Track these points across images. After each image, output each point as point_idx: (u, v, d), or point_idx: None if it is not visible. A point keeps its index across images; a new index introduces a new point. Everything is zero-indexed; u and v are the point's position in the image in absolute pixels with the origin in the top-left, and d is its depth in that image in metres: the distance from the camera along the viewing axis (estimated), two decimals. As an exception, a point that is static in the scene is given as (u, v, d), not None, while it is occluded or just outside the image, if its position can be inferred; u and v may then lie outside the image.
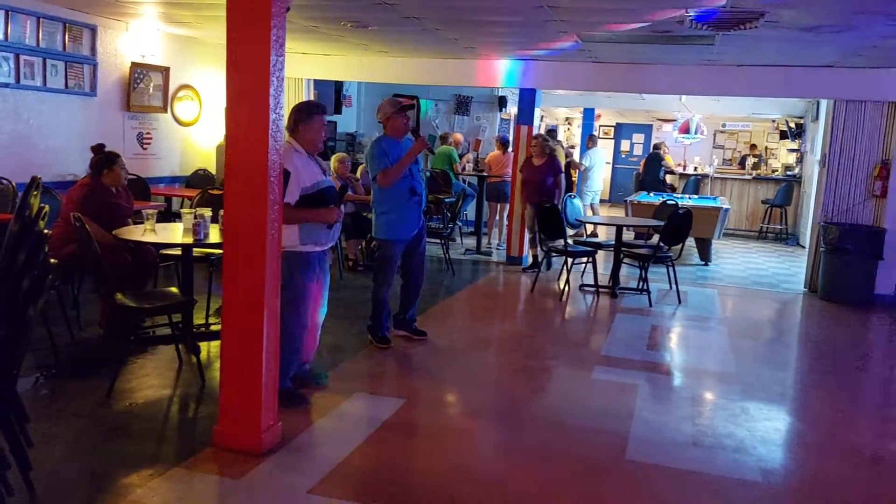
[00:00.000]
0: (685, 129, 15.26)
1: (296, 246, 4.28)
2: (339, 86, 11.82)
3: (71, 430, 3.92)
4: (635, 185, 14.61)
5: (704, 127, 15.75)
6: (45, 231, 3.14)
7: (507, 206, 10.14)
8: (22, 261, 2.91)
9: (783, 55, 7.79)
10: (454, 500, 3.45)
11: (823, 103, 11.01)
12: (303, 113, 4.36)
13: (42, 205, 3.04)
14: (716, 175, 15.32)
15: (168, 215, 8.00)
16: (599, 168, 12.97)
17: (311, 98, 10.50)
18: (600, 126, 19.85)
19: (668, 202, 10.28)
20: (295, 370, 4.52)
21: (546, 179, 8.93)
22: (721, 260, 11.22)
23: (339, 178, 8.04)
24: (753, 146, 17.54)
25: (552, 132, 12.53)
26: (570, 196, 9.75)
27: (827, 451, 4.33)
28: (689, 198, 12.37)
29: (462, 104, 12.87)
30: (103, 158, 5.64)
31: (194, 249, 5.28)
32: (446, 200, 9.92)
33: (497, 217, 11.12)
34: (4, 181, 6.48)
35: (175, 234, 5.29)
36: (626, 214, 11.18)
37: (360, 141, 12.59)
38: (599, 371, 5.54)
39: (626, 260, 8.45)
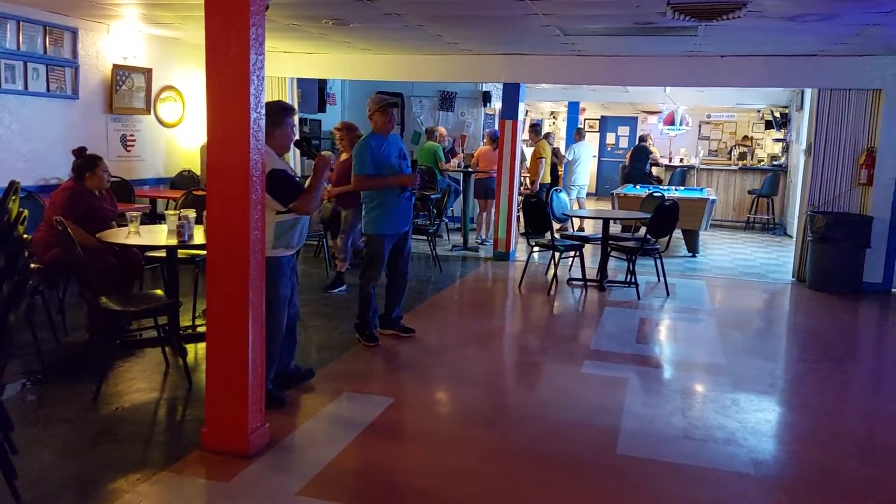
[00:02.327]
0: (670, 121, 15.31)
1: (267, 251, 4.21)
2: (322, 84, 11.78)
3: (57, 435, 3.88)
4: (621, 178, 14.62)
5: (689, 118, 15.80)
6: (25, 236, 3.10)
7: (494, 202, 10.11)
8: (1, 266, 2.87)
9: (766, 45, 7.80)
10: (444, 499, 3.43)
11: (808, 92, 11.05)
12: (273, 116, 4.13)
13: (21, 209, 3.00)
14: (702, 166, 15.35)
15: (153, 217, 7.95)
16: (585, 162, 12.89)
17: (295, 97, 10.46)
18: (585, 119, 19.86)
19: (655, 194, 10.31)
20: (276, 372, 4.49)
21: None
22: (709, 251, 11.25)
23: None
24: (745, 137, 17.59)
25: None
26: (556, 190, 9.74)
27: (818, 441, 4.33)
28: (676, 189, 12.41)
29: (446, 100, 12.83)
30: (85, 162, 5.59)
31: (179, 251, 5.24)
32: (432, 197, 9.91)
33: (484, 213, 11.11)
34: (-14, 186, 6.42)
35: (159, 236, 5.25)
36: (613, 207, 11.20)
37: (344, 139, 12.52)
38: (589, 365, 5.54)
39: (613, 253, 8.45)
